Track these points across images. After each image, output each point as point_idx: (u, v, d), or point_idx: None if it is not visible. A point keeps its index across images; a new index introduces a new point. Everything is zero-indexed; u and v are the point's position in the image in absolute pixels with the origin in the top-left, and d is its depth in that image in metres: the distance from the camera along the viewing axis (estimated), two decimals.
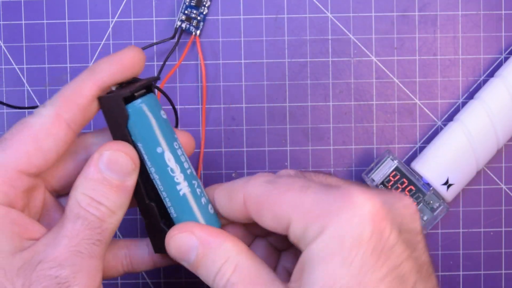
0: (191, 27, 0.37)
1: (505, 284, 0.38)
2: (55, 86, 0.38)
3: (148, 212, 0.28)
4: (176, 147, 0.28)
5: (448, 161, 0.35)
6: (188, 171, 0.28)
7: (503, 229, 0.38)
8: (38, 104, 0.38)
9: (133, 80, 0.28)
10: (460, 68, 0.38)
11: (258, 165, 0.38)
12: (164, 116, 0.28)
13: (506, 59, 0.38)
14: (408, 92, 0.38)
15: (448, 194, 0.36)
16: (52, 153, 0.26)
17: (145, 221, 0.28)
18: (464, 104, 0.37)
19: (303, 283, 0.24)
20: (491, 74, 0.37)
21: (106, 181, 0.26)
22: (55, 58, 0.38)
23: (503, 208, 0.38)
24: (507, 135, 0.36)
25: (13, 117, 0.38)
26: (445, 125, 0.37)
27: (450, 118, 0.37)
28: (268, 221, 0.26)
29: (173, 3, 0.37)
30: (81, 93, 0.26)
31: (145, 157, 0.27)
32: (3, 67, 0.38)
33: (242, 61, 0.38)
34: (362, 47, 0.38)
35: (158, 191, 0.28)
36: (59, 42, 0.38)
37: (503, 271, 0.38)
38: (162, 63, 0.37)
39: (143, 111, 0.27)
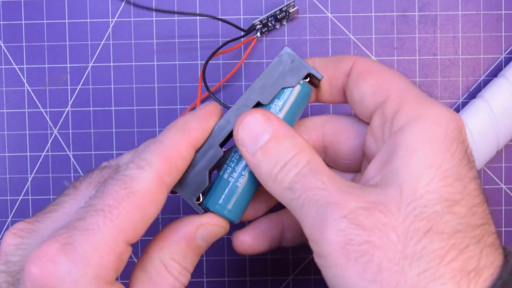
0: (258, 32, 0.37)
1: None
2: (55, 86, 0.38)
3: (207, 153, 0.27)
4: None
5: None
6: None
7: (503, 229, 0.38)
8: (38, 104, 0.38)
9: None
10: (460, 68, 0.38)
11: None
12: None
13: (506, 59, 0.38)
14: None
15: None
16: (151, 220, 0.24)
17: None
18: (464, 104, 0.37)
19: (399, 165, 0.23)
20: (491, 74, 0.37)
21: (198, 249, 0.26)
22: (55, 58, 0.38)
23: (503, 208, 0.38)
24: (508, 135, 0.36)
25: (13, 117, 0.38)
26: None
27: None
28: (365, 87, 0.26)
29: (173, 3, 0.37)
30: (180, 155, 0.25)
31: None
32: (3, 67, 0.38)
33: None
34: (362, 47, 0.38)
35: (237, 150, 0.27)
36: (59, 42, 0.38)
37: None
38: (204, 61, 0.37)
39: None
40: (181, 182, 0.27)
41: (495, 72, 0.37)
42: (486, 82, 0.37)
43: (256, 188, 0.27)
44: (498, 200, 0.38)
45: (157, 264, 0.25)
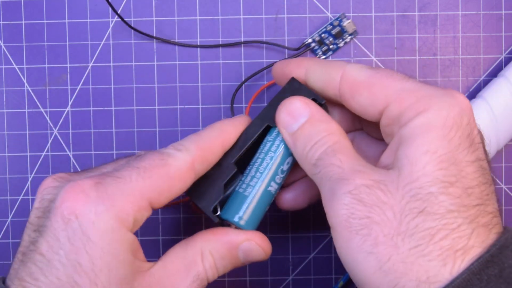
0: (319, 50, 0.37)
1: None
2: (55, 86, 0.38)
3: (223, 169, 0.30)
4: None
5: None
6: (279, 180, 0.30)
7: None
8: (38, 104, 0.38)
9: None
10: (460, 68, 0.38)
11: None
12: None
13: (506, 59, 0.38)
14: None
15: None
16: (174, 195, 0.27)
17: (209, 172, 0.29)
18: None
19: (400, 153, 0.25)
20: (491, 74, 0.37)
21: (235, 259, 0.29)
22: (55, 58, 0.38)
23: (503, 208, 0.38)
24: (508, 135, 0.36)
25: (13, 117, 0.38)
26: None
27: None
28: (362, 101, 0.27)
29: (173, 3, 0.37)
30: (212, 151, 0.28)
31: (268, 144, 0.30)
32: (3, 67, 0.38)
33: (242, 61, 0.38)
34: (362, 47, 0.38)
35: (252, 167, 0.30)
36: (59, 42, 0.38)
37: None
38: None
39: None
40: (198, 193, 0.29)
41: (495, 72, 0.37)
42: (486, 82, 0.37)
43: (269, 203, 0.30)
44: (498, 200, 0.38)
45: (196, 250, 0.28)
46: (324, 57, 0.37)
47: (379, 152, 0.30)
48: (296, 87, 0.30)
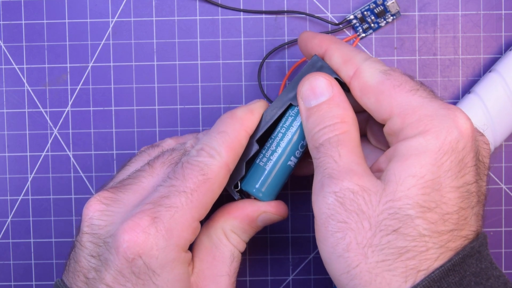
0: (359, 28, 0.37)
1: None
2: (55, 86, 0.38)
3: (250, 149, 0.30)
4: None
5: None
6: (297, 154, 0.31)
7: (503, 229, 0.38)
8: (38, 104, 0.38)
9: None
10: (460, 68, 0.38)
11: None
12: None
13: None
14: None
15: None
16: (216, 199, 0.29)
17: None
18: None
19: (389, 167, 0.26)
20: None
21: (256, 227, 0.30)
22: (55, 58, 0.38)
23: (503, 208, 0.38)
24: (504, 130, 0.36)
25: (13, 117, 0.38)
26: None
27: None
28: (368, 104, 0.28)
29: (173, 3, 0.37)
30: (241, 144, 0.29)
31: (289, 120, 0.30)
32: (3, 67, 0.38)
33: (242, 61, 0.38)
34: (363, 47, 0.38)
35: (274, 141, 0.30)
36: (59, 42, 0.38)
37: (503, 271, 0.38)
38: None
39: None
40: None
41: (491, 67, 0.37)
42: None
43: (287, 176, 0.31)
44: (498, 200, 0.38)
45: (220, 233, 0.30)
46: (364, 35, 0.37)
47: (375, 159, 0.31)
48: (318, 66, 0.30)
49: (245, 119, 0.30)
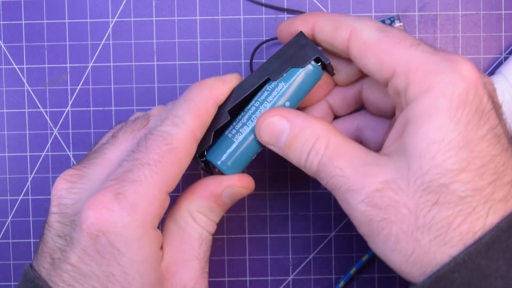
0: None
1: None
2: (55, 86, 0.38)
3: (216, 116, 0.29)
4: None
5: None
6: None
7: None
8: (38, 104, 0.38)
9: None
10: None
11: None
12: None
13: (506, 59, 0.38)
14: None
15: None
16: (184, 170, 0.27)
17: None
18: None
19: (407, 141, 0.25)
20: (491, 74, 0.37)
21: (223, 205, 0.29)
22: (55, 58, 0.38)
23: None
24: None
25: (13, 117, 0.38)
26: None
27: None
28: (369, 65, 0.27)
29: (173, 3, 0.38)
30: (208, 112, 0.28)
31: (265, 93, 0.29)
32: (3, 67, 0.38)
33: (242, 61, 0.38)
34: None
35: (246, 114, 0.29)
36: (59, 42, 0.38)
37: None
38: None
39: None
40: None
41: (496, 70, 0.37)
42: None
43: (256, 152, 0.30)
44: None
45: (185, 215, 0.29)
46: None
47: (384, 132, 0.30)
48: (302, 43, 0.29)
49: (214, 87, 0.28)
